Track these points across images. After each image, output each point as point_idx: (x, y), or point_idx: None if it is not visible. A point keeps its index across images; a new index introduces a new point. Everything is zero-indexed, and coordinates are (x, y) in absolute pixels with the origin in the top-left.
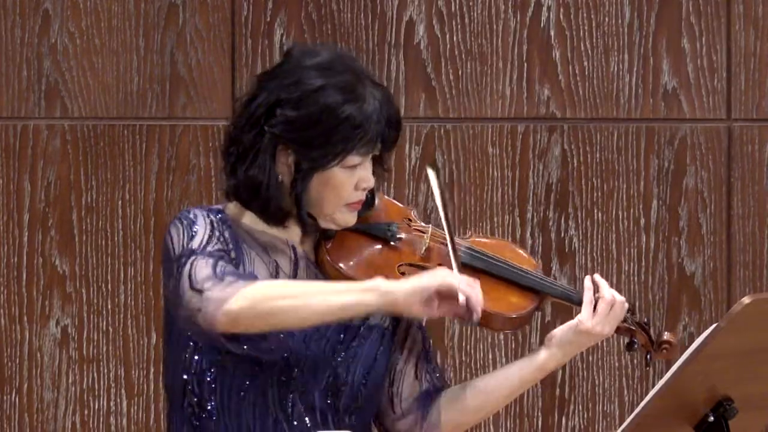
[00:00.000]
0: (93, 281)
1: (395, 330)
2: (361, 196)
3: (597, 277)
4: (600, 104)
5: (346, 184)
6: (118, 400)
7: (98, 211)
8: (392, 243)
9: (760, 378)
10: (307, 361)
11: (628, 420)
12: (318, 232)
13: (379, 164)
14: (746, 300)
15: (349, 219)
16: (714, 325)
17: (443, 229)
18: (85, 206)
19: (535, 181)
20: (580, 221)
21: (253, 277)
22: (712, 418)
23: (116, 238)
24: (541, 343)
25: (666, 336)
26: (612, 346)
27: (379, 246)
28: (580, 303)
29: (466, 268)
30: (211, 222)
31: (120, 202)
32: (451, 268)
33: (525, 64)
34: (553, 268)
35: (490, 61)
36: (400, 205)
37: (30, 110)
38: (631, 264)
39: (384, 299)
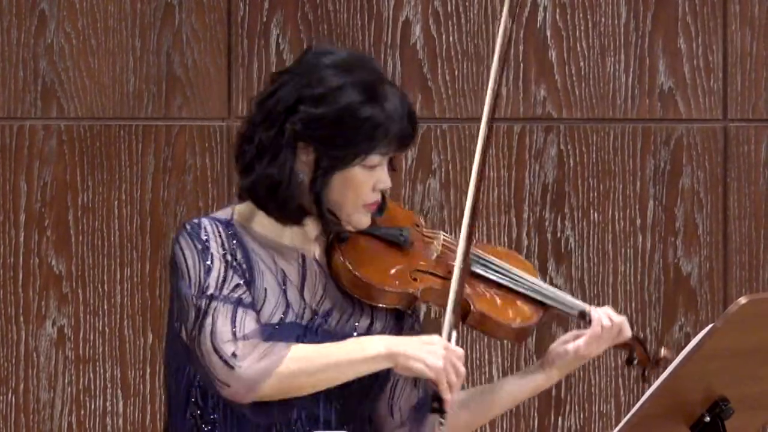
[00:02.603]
0: (89, 281)
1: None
2: (378, 197)
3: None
4: (596, 104)
5: (365, 185)
6: (114, 401)
7: (94, 212)
8: (405, 248)
9: (757, 378)
10: None
11: (624, 420)
12: (330, 235)
13: (390, 166)
14: (742, 300)
15: (365, 220)
16: (710, 326)
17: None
18: (82, 206)
19: (531, 181)
20: (576, 222)
21: (268, 331)
22: (708, 419)
23: (112, 239)
24: (538, 354)
25: (663, 352)
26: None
27: (393, 251)
28: (583, 316)
29: (475, 277)
30: (223, 243)
31: (116, 203)
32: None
33: (521, 65)
34: (549, 269)
35: (486, 61)
36: (406, 209)
37: (26, 110)
38: (627, 264)
39: (390, 361)
